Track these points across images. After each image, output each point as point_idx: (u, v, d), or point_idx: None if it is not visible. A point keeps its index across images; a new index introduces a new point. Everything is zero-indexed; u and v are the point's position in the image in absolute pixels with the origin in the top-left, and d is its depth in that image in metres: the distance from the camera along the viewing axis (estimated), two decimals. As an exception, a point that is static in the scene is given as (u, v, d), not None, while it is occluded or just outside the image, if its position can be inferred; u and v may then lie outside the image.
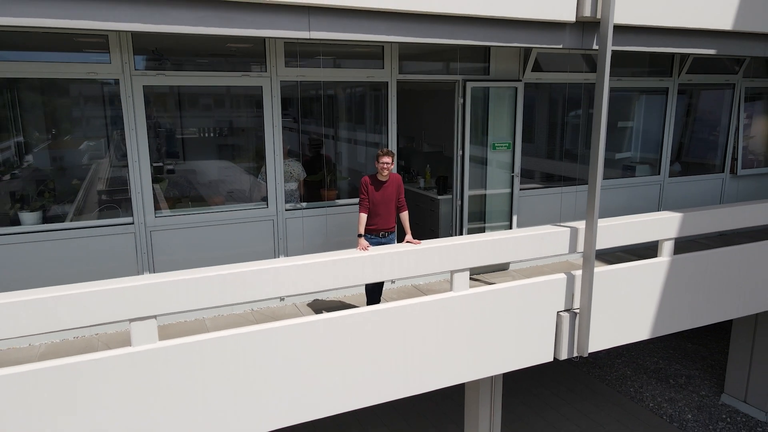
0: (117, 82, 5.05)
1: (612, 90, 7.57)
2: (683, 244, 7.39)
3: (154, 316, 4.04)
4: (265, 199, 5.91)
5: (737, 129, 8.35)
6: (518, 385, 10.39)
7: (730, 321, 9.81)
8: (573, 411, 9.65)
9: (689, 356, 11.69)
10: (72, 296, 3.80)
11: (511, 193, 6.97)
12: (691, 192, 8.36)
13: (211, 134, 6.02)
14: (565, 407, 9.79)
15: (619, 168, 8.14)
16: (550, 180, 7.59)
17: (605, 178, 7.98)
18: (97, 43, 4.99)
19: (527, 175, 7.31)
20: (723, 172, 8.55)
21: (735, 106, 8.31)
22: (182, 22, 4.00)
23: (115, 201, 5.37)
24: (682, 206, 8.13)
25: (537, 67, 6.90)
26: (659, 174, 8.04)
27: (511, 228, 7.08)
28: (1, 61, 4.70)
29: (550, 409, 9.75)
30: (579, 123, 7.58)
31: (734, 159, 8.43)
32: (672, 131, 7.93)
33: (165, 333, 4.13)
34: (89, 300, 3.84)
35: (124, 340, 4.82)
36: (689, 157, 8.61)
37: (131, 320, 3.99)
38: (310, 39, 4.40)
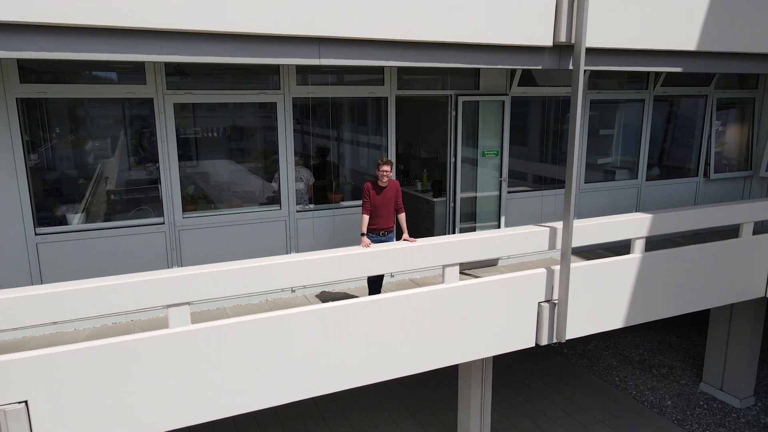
0: (151, 100, 5.78)
1: (595, 101, 8.27)
2: (659, 242, 8.10)
3: (188, 303, 4.77)
4: (278, 201, 6.64)
5: (710, 136, 9.05)
6: (511, 375, 11.10)
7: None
8: (561, 398, 10.37)
9: (673, 348, 12.38)
10: (122, 285, 4.53)
11: (500, 196, 7.69)
12: (668, 194, 9.07)
13: (230, 141, 6.74)
14: (554, 395, 10.51)
15: (601, 172, 8.85)
16: (540, 182, 8.31)
17: (589, 181, 8.69)
18: (134, 67, 5.72)
19: (518, 177, 8.04)
20: (697, 176, 9.26)
21: (707, 115, 9.02)
22: (212, 54, 4.72)
23: (149, 204, 6.11)
24: (658, 207, 8.83)
25: (527, 79, 7.61)
26: (637, 178, 8.76)
27: (499, 227, 7.79)
28: (60, 84, 5.47)
29: (540, 396, 10.47)
30: (562, 131, 8.28)
31: (707, 164, 9.13)
32: (648, 139, 8.65)
33: (194, 319, 4.84)
34: (136, 289, 4.57)
35: (157, 325, 5.54)
36: (668, 161, 9.31)
37: (168, 306, 4.72)
38: (320, 65, 5.12)
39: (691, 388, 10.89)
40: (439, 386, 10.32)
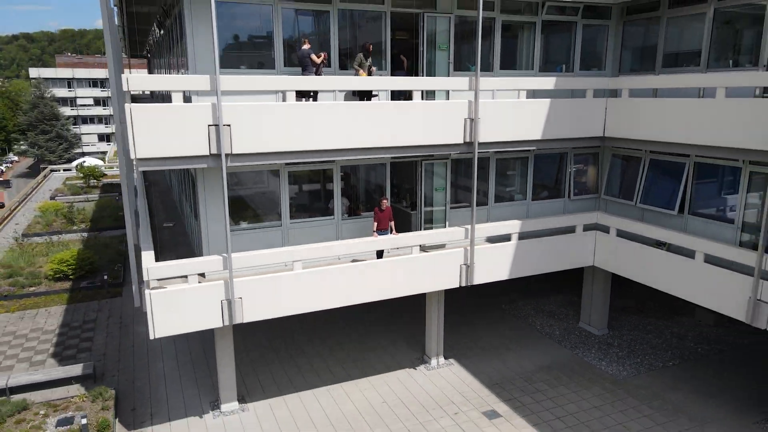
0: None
1: (500, 159, 14.97)
2: (533, 234, 14.84)
3: (301, 260, 11.61)
4: (332, 213, 13.42)
5: (570, 173, 15.80)
6: (466, 320, 17.97)
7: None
8: (493, 330, 17.31)
9: (571, 304, 19.18)
10: (276, 252, 11.38)
11: (445, 210, 14.45)
12: (545, 209, 15.85)
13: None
14: (489, 329, 17.44)
15: (509, 196, 15.56)
16: (467, 201, 15.06)
17: (502, 201, 15.39)
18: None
19: (456, 201, 14.77)
20: (564, 197, 16.03)
21: (569, 163, 15.77)
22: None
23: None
24: (538, 216, 15.55)
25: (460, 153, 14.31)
26: (525, 199, 15.54)
27: (445, 227, 14.57)
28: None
29: (480, 329, 17.37)
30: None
31: (569, 190, 15.90)
32: (532, 176, 15.38)
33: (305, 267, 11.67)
34: (279, 256, 11.41)
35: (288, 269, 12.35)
36: (547, 189, 16.00)
37: (294, 261, 11.55)
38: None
39: (573, 325, 17.74)
40: (411, 316, 17.18)
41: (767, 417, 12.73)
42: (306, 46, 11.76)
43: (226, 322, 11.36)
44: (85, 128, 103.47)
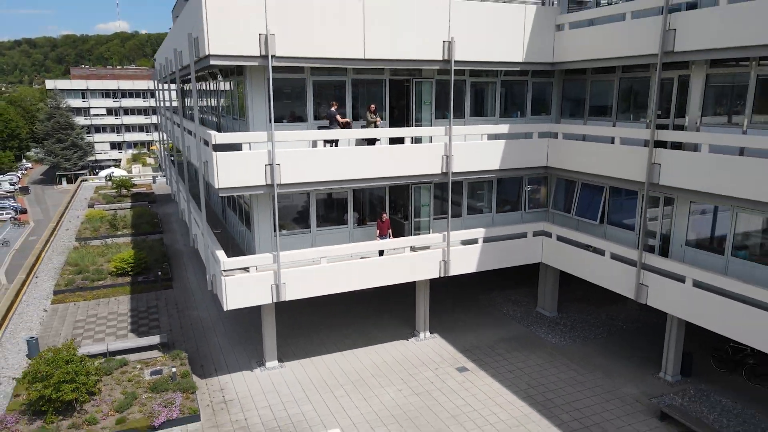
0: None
1: (474, 179, 19.97)
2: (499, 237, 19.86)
3: (326, 256, 16.63)
4: (346, 223, 18.42)
5: (525, 191, 20.83)
6: (447, 307, 22.95)
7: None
8: (468, 314, 22.37)
9: (533, 295, 24.13)
10: (317, 251, 16.41)
11: (430, 220, 19.45)
12: (506, 218, 20.86)
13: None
14: (465, 313, 22.51)
15: (479, 209, 20.57)
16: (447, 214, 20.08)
17: (473, 213, 20.39)
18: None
19: (438, 212, 19.77)
20: (521, 210, 21.05)
21: (524, 183, 20.79)
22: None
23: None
24: (502, 225, 20.54)
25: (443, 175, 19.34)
26: (491, 212, 20.57)
27: (429, 233, 19.57)
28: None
29: (459, 313, 22.43)
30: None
31: (524, 204, 20.95)
32: (496, 194, 20.40)
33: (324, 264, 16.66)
34: (318, 252, 16.45)
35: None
36: (509, 203, 21.02)
37: (321, 258, 16.58)
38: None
39: (531, 309, 22.80)
40: (405, 302, 22.21)
41: (659, 369, 17.72)
42: (333, 108, 16.81)
43: (275, 299, 16.34)
44: (98, 137, 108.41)
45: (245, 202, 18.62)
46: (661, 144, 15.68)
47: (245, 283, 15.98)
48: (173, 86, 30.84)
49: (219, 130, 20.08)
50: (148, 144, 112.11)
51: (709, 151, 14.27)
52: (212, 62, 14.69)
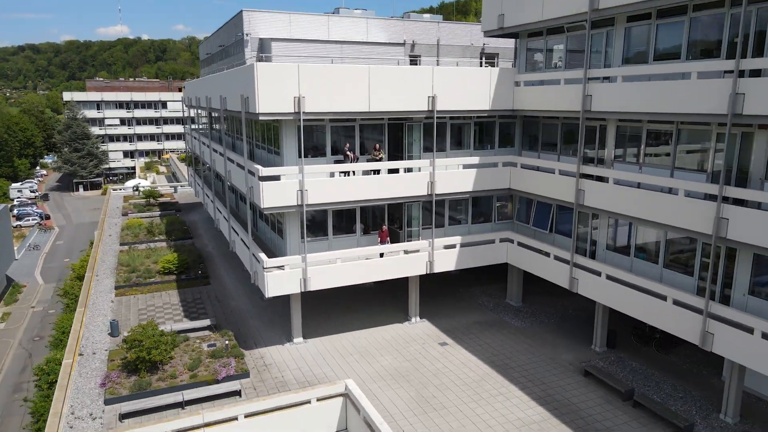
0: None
1: (453, 198, 25.63)
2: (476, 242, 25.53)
3: (340, 258, 22.32)
4: (354, 231, 24.07)
5: (495, 207, 26.47)
6: (436, 300, 28.71)
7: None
8: (450, 304, 28.20)
9: (505, 290, 29.86)
10: (334, 253, 22.10)
11: (419, 230, 25.09)
12: (480, 228, 26.49)
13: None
14: (448, 303, 28.32)
15: (458, 221, 26.19)
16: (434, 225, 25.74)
17: (454, 223, 26.03)
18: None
19: (426, 223, 25.41)
20: (492, 221, 26.70)
21: (494, 200, 26.45)
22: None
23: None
24: (478, 234, 26.16)
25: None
26: (468, 223, 26.22)
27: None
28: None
29: (443, 303, 28.22)
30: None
31: (494, 217, 26.61)
32: (471, 209, 26.05)
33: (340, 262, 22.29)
34: (335, 254, 22.14)
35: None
36: (484, 215, 26.63)
37: (337, 259, 22.24)
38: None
39: (502, 301, 28.59)
40: (400, 294, 27.94)
41: (592, 343, 23.39)
42: (347, 147, 22.54)
43: (302, 290, 22.00)
44: (111, 146, 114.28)
45: (277, 216, 24.31)
46: (588, 176, 21.39)
47: (281, 277, 21.66)
48: (207, 114, 36.54)
49: (252, 157, 25.81)
50: (159, 152, 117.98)
51: (614, 183, 20.03)
52: (261, 118, 20.41)
